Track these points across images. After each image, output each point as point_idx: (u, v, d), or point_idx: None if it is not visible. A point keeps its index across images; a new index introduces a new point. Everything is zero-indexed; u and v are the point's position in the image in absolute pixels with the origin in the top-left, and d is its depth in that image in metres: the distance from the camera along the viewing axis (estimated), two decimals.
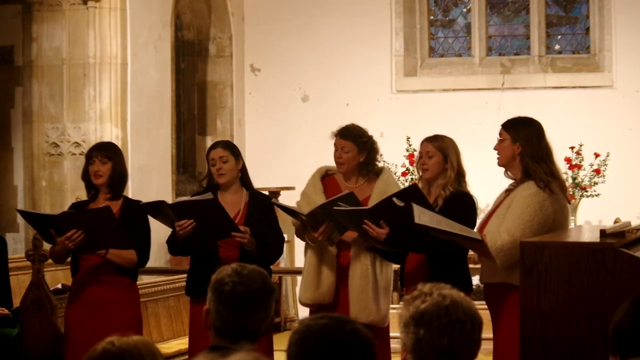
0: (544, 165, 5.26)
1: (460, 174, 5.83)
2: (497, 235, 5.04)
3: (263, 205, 6.06)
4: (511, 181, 5.44)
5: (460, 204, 5.66)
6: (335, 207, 5.67)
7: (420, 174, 5.94)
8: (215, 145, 6.17)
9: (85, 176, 6.15)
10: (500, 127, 5.43)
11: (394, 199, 5.39)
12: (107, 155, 6.08)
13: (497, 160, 5.41)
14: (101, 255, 5.94)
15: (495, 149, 5.40)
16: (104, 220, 5.82)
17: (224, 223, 5.78)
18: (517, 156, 5.29)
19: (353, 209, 5.65)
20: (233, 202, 5.97)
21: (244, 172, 6.11)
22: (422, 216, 5.06)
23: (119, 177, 6.10)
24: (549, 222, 5.15)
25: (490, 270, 5.16)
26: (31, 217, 6.35)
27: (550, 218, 5.16)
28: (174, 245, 5.99)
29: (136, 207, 6.12)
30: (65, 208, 6.85)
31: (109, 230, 5.82)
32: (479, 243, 5.05)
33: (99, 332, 5.64)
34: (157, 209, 6.01)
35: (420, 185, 5.96)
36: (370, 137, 6.11)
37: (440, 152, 5.81)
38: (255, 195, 6.11)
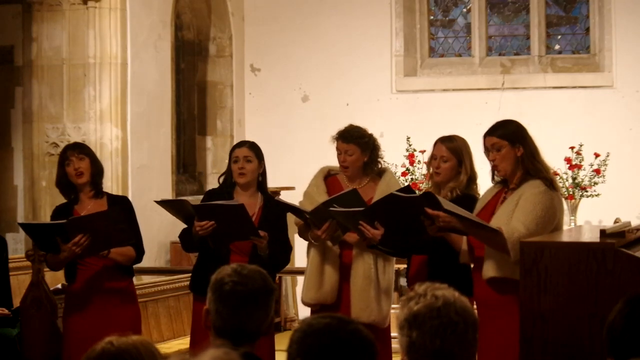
0: (539, 162, 5.26)
1: (471, 178, 5.80)
2: (512, 228, 5.03)
3: (277, 211, 6.03)
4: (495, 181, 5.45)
5: (464, 207, 5.62)
6: (331, 209, 5.66)
7: (431, 174, 5.86)
8: (241, 144, 6.14)
9: (62, 180, 6.05)
10: (486, 139, 5.29)
11: (396, 193, 5.38)
12: (83, 151, 6.04)
13: (498, 173, 5.30)
14: (104, 256, 5.91)
15: (492, 159, 5.29)
16: (115, 221, 5.78)
17: (246, 228, 5.76)
18: (519, 159, 5.26)
19: (348, 211, 5.64)
20: (248, 205, 5.89)
21: (263, 176, 6.10)
22: (447, 204, 5.08)
23: (98, 172, 6.07)
24: (556, 220, 5.19)
25: (499, 265, 5.12)
26: (33, 229, 6.23)
27: (556, 216, 5.20)
28: (188, 241, 5.97)
29: (122, 202, 6.12)
30: None
31: (116, 230, 5.78)
32: (495, 235, 5.04)
33: (100, 334, 5.64)
34: (175, 204, 6.00)
35: (428, 185, 5.94)
36: (371, 136, 6.11)
37: (455, 156, 5.74)
38: (270, 201, 6.08)
